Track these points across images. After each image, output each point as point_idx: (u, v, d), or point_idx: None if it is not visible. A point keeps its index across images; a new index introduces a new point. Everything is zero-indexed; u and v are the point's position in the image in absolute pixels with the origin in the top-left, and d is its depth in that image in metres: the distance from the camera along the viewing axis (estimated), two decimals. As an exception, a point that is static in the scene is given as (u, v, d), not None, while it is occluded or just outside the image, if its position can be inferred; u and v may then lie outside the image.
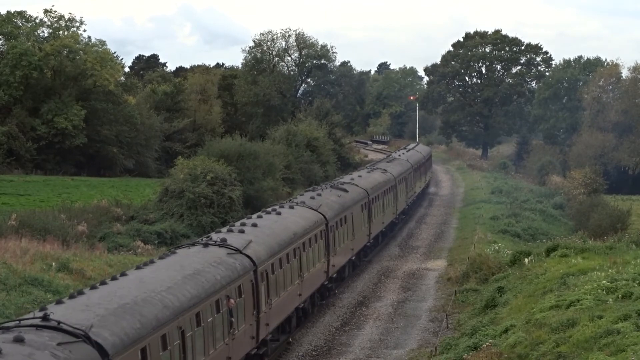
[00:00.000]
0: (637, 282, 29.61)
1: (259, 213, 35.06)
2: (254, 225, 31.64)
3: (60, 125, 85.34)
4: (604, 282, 30.21)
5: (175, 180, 54.72)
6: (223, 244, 27.65)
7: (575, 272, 33.91)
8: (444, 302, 40.59)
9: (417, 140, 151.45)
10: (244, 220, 32.99)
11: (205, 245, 27.56)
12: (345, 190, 45.35)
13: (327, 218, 38.83)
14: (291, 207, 37.10)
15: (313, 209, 38.25)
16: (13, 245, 39.63)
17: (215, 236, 29.14)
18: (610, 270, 32.17)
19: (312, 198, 40.86)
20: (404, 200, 64.77)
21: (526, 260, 40.33)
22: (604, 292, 29.27)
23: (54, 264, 38.12)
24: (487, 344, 28.54)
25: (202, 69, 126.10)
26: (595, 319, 26.45)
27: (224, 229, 30.96)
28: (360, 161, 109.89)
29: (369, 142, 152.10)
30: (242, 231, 29.95)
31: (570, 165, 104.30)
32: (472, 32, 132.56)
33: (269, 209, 36.14)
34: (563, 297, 30.30)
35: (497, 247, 49.42)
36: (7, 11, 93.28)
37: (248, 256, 27.63)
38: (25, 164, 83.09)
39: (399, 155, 73.89)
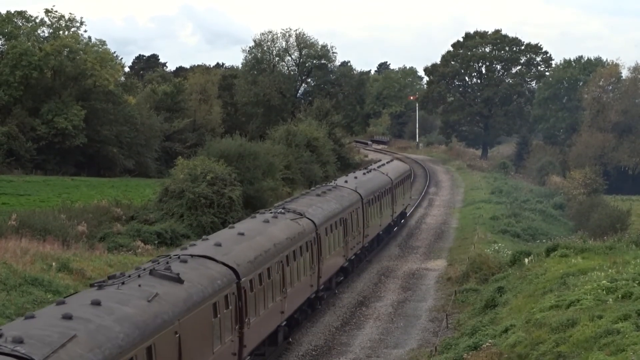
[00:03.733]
0: (637, 282, 29.60)
1: None
2: None
3: (60, 125, 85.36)
4: (604, 282, 30.20)
5: (175, 180, 54.74)
6: None
7: (575, 272, 33.90)
8: (444, 302, 40.60)
9: (417, 139, 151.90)
10: None
11: None
12: (178, 280, 22.41)
13: None
14: None
15: None
16: (13, 245, 39.62)
17: None
18: (610, 270, 32.16)
19: (66, 318, 17.48)
20: (342, 255, 42.15)
21: (526, 260, 40.32)
22: (604, 292, 29.26)
23: (54, 264, 38.12)
24: (487, 343, 28.55)
25: (202, 69, 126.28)
26: (595, 319, 26.45)
27: None
28: (360, 161, 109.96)
29: (369, 142, 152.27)
30: None
31: (570, 165, 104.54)
32: (472, 32, 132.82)
33: None
34: (563, 297, 30.30)
35: (497, 247, 49.42)
36: (7, 11, 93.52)
37: None
38: (25, 164, 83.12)
39: (345, 182, 48.96)
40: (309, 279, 35.45)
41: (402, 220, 65.24)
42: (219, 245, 27.45)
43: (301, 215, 36.21)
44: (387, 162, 67.31)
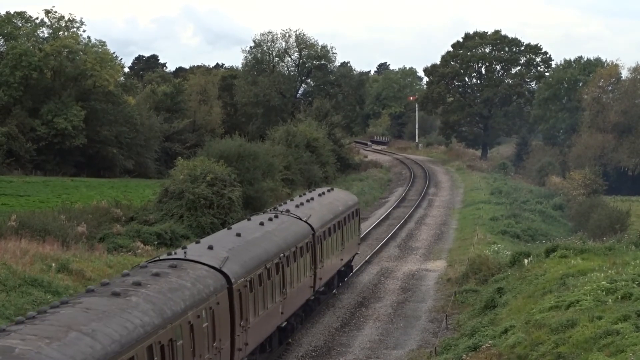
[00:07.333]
0: (637, 282, 29.63)
1: None
2: None
3: (60, 125, 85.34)
4: (604, 282, 30.22)
5: (175, 181, 54.72)
6: None
7: (575, 273, 33.91)
8: (444, 302, 40.60)
9: (417, 140, 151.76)
10: None
11: None
12: None
13: None
14: None
15: None
16: (13, 246, 39.60)
17: None
18: (609, 271, 32.16)
19: None
20: None
21: (526, 261, 40.32)
22: (604, 292, 29.27)
23: (53, 264, 38.10)
24: (486, 344, 28.57)
25: (202, 70, 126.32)
26: (595, 320, 26.47)
27: None
28: (360, 162, 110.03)
29: (369, 143, 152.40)
30: None
31: (570, 166, 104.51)
32: (471, 32, 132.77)
33: None
34: (562, 297, 30.31)
35: (496, 248, 49.41)
36: (7, 12, 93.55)
37: None
38: (24, 165, 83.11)
39: (208, 250, 26.46)
40: None
41: (345, 279, 44.70)
42: None
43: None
44: (318, 195, 42.88)
